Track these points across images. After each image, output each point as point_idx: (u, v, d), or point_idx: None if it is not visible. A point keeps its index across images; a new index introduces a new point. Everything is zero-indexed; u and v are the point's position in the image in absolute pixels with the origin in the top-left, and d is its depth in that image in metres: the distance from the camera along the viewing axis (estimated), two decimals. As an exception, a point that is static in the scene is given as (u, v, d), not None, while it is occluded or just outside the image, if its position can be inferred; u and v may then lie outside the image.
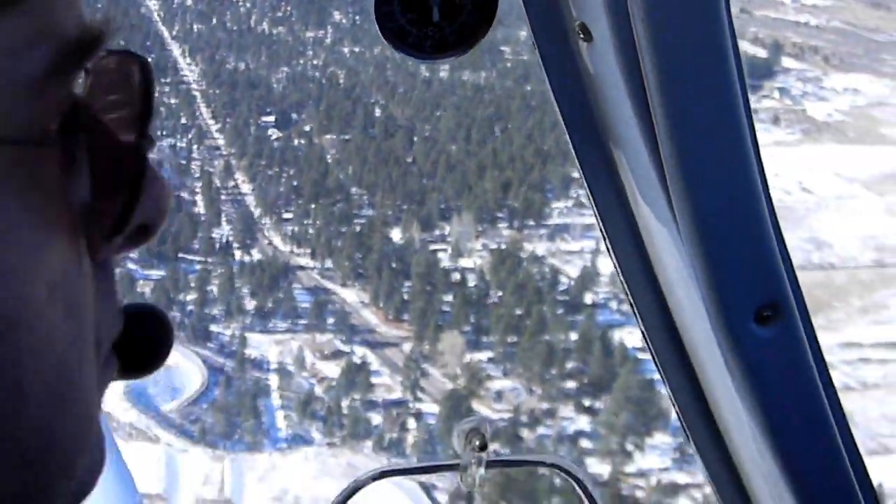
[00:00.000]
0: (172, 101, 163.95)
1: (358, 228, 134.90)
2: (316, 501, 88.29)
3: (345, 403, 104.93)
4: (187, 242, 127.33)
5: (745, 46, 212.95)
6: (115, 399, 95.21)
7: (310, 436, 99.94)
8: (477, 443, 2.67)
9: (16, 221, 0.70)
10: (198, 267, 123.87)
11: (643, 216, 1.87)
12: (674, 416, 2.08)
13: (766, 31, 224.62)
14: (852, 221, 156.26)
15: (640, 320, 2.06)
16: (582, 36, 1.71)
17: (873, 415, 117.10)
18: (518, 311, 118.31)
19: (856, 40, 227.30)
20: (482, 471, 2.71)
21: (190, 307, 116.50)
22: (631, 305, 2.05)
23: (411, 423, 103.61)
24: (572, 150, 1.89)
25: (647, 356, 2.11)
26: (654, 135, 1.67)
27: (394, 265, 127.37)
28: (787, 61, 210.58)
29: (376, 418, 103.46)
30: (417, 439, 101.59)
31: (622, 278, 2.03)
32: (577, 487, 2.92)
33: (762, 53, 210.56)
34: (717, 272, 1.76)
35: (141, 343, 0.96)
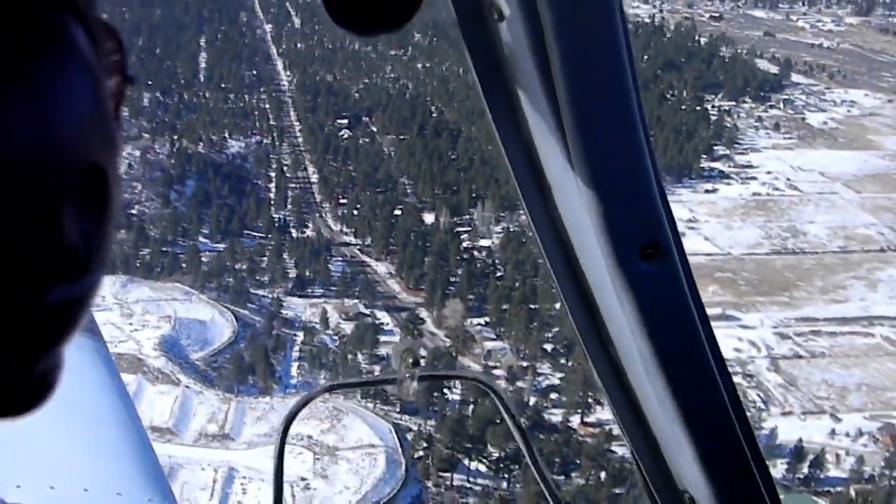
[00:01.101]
0: (266, 105, 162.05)
1: (398, 212, 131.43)
2: (300, 437, 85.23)
3: (357, 357, 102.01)
4: (252, 221, 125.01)
5: (763, 64, 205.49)
6: (148, 348, 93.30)
7: (317, 383, 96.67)
8: (410, 360, 2.65)
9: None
10: (255, 242, 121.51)
11: (550, 169, 1.85)
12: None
13: (784, 52, 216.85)
14: (828, 214, 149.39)
15: (546, 261, 2.03)
16: (496, 16, 1.67)
17: (815, 380, 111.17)
18: (516, 284, 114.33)
19: (861, 60, 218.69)
20: (415, 384, 2.68)
21: (242, 274, 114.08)
22: (539, 247, 2.02)
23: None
24: (488, 114, 1.85)
25: None
26: (556, 98, 1.66)
27: (419, 243, 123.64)
28: (796, 77, 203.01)
29: (375, 370, 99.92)
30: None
31: (531, 223, 2.00)
32: (496, 400, 2.90)
33: (774, 70, 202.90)
34: (607, 215, 1.76)
35: None
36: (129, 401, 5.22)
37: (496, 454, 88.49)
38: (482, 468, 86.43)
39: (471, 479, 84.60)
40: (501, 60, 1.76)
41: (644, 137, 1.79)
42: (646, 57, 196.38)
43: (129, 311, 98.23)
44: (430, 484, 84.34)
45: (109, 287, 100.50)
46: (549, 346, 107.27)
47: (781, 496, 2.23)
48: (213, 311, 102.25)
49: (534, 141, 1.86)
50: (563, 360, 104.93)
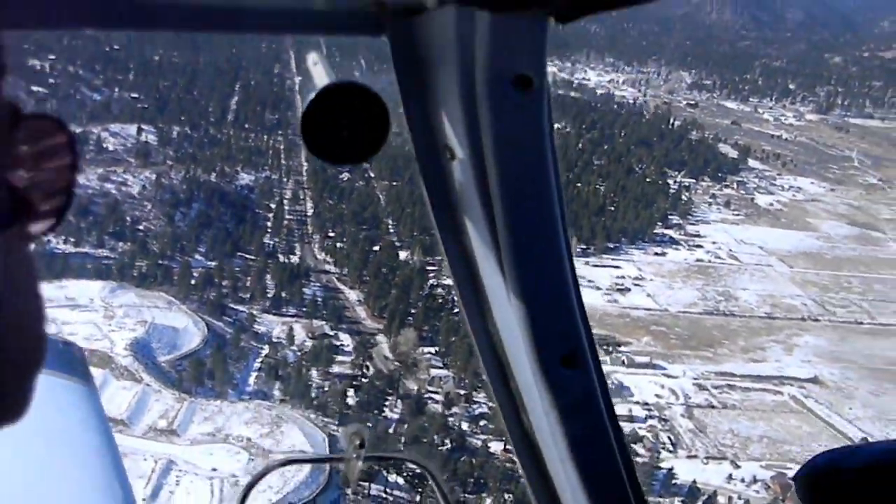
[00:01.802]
0: (281, 146, 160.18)
1: (377, 248, 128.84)
2: (240, 439, 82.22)
3: (311, 373, 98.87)
4: (246, 245, 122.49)
5: (725, 149, 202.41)
6: (119, 348, 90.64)
7: (271, 392, 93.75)
8: (357, 442, 2.68)
9: None
10: (243, 263, 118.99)
11: (488, 286, 1.89)
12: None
13: (746, 139, 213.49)
14: (760, 283, 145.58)
15: (482, 363, 2.06)
16: (449, 156, 1.75)
17: (723, 428, 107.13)
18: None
19: (813, 152, 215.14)
20: (360, 463, 2.72)
21: (224, 290, 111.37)
22: (476, 350, 2.05)
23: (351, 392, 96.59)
24: (439, 237, 1.91)
25: None
26: (496, 227, 1.72)
27: (390, 277, 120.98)
28: (752, 162, 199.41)
29: (325, 385, 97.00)
30: (354, 403, 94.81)
31: (470, 330, 2.03)
32: (431, 481, 2.95)
33: (734, 154, 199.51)
34: (534, 328, 1.81)
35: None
36: (111, 439, 5.05)
37: (418, 470, 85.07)
38: (400, 481, 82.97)
39: (387, 491, 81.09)
40: (452, 192, 1.80)
41: (568, 262, 1.80)
42: (623, 133, 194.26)
43: (111, 314, 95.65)
44: (349, 491, 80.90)
45: (98, 291, 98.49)
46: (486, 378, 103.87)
47: None
48: (188, 321, 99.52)
49: (476, 262, 1.88)
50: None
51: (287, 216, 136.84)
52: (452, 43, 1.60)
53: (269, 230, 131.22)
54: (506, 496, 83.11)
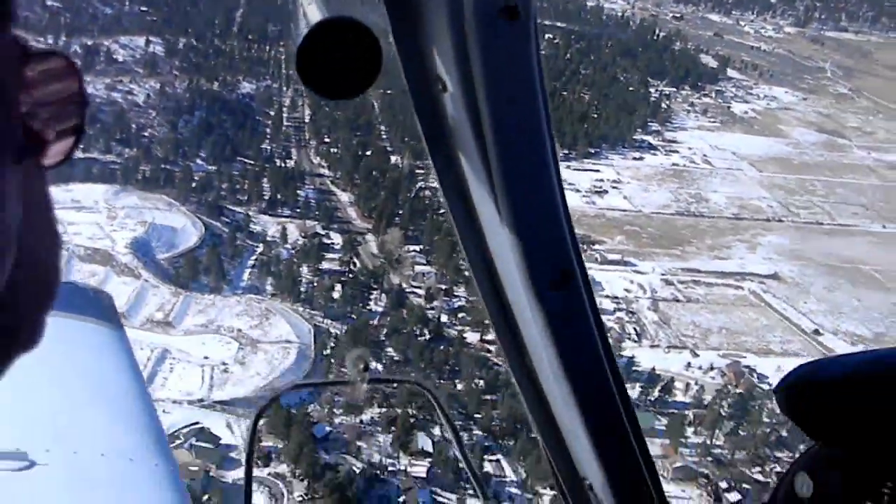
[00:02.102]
0: (283, 56, 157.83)
1: (369, 152, 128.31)
2: (231, 330, 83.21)
3: (302, 269, 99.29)
4: (244, 150, 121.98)
5: (706, 59, 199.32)
6: (120, 246, 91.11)
7: (263, 287, 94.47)
8: (361, 366, 2.64)
9: None
10: (242, 167, 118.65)
11: (482, 214, 1.88)
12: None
13: (727, 51, 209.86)
14: (730, 186, 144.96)
15: (477, 287, 2.03)
16: (441, 87, 1.70)
17: (686, 321, 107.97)
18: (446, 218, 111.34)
19: (789, 63, 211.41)
20: (365, 386, 2.65)
21: (223, 192, 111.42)
22: (472, 277, 2.03)
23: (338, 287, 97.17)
24: (433, 166, 1.88)
25: None
26: (488, 155, 1.69)
27: (380, 180, 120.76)
28: (731, 72, 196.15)
29: (315, 281, 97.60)
30: (339, 297, 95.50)
31: (466, 257, 2.01)
32: (433, 402, 2.86)
33: (714, 65, 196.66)
34: (525, 252, 1.79)
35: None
36: (142, 381, 5.08)
37: (396, 357, 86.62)
38: (380, 367, 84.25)
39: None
40: (444, 123, 1.77)
41: (558, 188, 1.79)
42: (609, 44, 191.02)
43: (114, 215, 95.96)
44: (331, 376, 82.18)
45: (102, 193, 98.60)
46: (468, 274, 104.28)
47: None
48: (187, 221, 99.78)
49: (469, 190, 1.87)
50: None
51: (285, 123, 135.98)
52: None
53: (267, 136, 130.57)
54: (477, 381, 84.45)
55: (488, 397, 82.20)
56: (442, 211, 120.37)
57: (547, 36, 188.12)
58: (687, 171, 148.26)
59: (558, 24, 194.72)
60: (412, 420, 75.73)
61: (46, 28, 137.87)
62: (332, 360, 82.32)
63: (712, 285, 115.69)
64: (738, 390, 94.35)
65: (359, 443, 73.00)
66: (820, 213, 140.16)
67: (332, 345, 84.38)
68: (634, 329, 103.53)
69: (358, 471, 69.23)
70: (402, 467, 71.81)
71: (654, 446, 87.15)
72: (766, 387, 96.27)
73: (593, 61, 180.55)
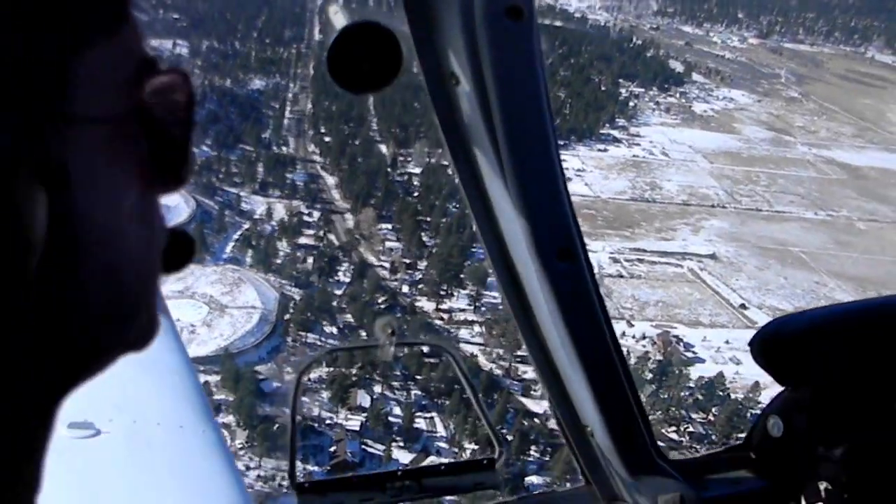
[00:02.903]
0: (294, 57, 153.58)
1: (358, 142, 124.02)
2: (204, 296, 79.58)
3: (278, 244, 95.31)
4: (245, 137, 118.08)
5: (674, 64, 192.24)
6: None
7: (243, 259, 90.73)
8: (389, 331, 2.52)
9: (111, 171, 0.62)
10: (241, 153, 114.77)
11: (492, 194, 1.85)
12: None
13: (694, 58, 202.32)
14: (683, 176, 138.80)
15: (490, 261, 2.02)
16: (455, 82, 1.68)
17: (626, 294, 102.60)
18: (421, 202, 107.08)
19: (749, 70, 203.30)
20: (393, 349, 2.52)
21: (221, 175, 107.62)
22: (485, 251, 2.02)
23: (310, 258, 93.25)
24: (449, 154, 1.84)
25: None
26: (497, 141, 1.67)
27: (363, 165, 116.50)
28: (696, 76, 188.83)
29: (290, 254, 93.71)
30: (314, 267, 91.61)
31: (479, 233, 1.98)
32: (453, 362, 2.70)
33: (680, 69, 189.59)
34: (532, 228, 1.77)
35: (176, 251, 0.77)
36: (187, 357, 4.83)
37: (353, 322, 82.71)
38: (334, 331, 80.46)
39: (321, 339, 78.56)
40: (458, 114, 1.75)
41: (560, 171, 1.78)
42: (587, 50, 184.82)
43: None
44: (289, 339, 78.39)
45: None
46: (432, 250, 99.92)
47: None
48: (180, 199, 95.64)
49: (482, 174, 1.83)
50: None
51: (287, 115, 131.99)
52: None
53: (269, 126, 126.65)
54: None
55: (429, 360, 78.11)
56: (413, 193, 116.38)
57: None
58: (646, 162, 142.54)
59: (556, 23, 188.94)
60: (353, 378, 71.99)
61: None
62: (290, 324, 78.60)
63: (655, 263, 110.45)
64: (660, 357, 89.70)
65: (303, 398, 69.17)
66: (760, 201, 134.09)
67: (292, 310, 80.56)
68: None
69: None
70: (339, 421, 68.04)
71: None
72: (690, 355, 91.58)
73: (572, 64, 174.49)
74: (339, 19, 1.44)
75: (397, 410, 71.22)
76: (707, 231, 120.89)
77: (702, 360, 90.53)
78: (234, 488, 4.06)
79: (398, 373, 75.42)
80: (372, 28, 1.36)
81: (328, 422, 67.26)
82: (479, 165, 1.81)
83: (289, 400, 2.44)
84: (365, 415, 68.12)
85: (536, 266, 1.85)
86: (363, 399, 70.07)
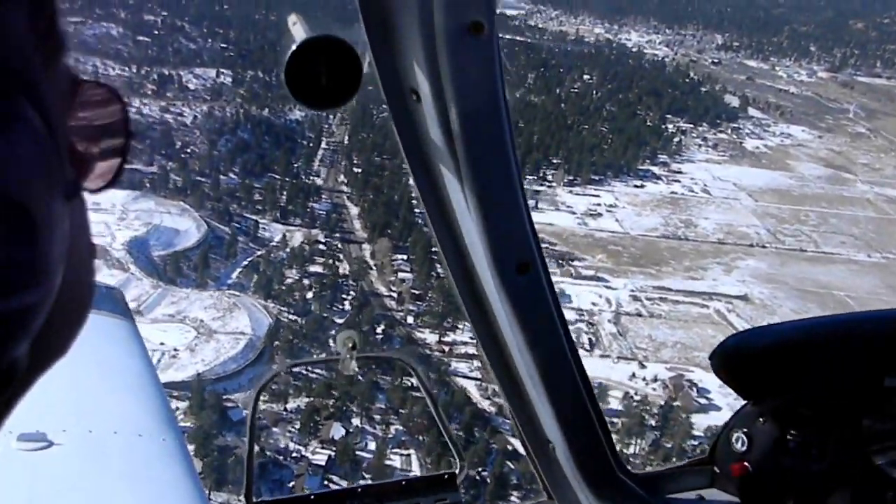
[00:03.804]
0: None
1: (386, 173, 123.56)
2: (195, 321, 79.44)
3: (287, 271, 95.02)
4: (273, 166, 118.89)
5: (729, 99, 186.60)
6: (118, 243, 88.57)
7: (249, 285, 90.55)
8: (350, 344, 2.54)
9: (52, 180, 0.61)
10: (269, 181, 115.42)
11: (454, 209, 1.83)
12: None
13: (754, 92, 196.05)
14: (723, 214, 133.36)
15: (450, 274, 1.99)
16: (415, 98, 1.66)
17: (643, 334, 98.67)
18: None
19: (814, 105, 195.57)
20: (354, 363, 2.54)
21: (243, 202, 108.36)
22: (444, 265, 1.99)
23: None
24: (410, 168, 1.83)
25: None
26: (457, 156, 1.65)
27: (386, 196, 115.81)
28: (753, 111, 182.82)
29: (300, 280, 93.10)
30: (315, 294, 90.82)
31: (440, 247, 1.96)
32: (416, 376, 2.82)
33: (735, 104, 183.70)
34: (492, 242, 1.75)
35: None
36: (151, 367, 4.86)
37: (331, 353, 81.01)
38: (323, 354, 79.02)
39: (308, 368, 77.16)
40: (419, 129, 1.73)
41: (519, 185, 1.75)
42: (638, 84, 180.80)
43: (125, 217, 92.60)
44: (274, 367, 77.24)
45: (122, 197, 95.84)
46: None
47: None
48: (193, 224, 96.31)
49: (443, 188, 1.81)
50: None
51: (323, 146, 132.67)
52: None
53: (301, 156, 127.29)
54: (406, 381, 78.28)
55: (415, 394, 75.90)
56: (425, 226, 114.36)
57: (585, 77, 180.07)
58: (684, 199, 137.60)
59: (596, 65, 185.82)
60: (331, 410, 70.31)
61: (132, 58, 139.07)
62: (278, 352, 77.63)
63: (678, 303, 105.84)
64: (674, 403, 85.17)
65: (274, 429, 67.92)
66: (806, 241, 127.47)
67: (278, 337, 79.60)
68: (589, 339, 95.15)
69: (256, 454, 64.14)
70: (307, 454, 66.37)
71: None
72: (703, 401, 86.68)
73: (620, 99, 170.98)
74: (297, 31, 1.38)
75: (372, 445, 69.16)
76: (741, 271, 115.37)
77: (717, 408, 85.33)
78: (195, 498, 3.84)
79: (382, 406, 73.49)
80: (331, 41, 1.32)
81: (294, 454, 65.68)
82: (440, 180, 1.77)
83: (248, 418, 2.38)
84: (335, 448, 66.29)
85: (496, 279, 1.81)
86: (337, 432, 68.28)
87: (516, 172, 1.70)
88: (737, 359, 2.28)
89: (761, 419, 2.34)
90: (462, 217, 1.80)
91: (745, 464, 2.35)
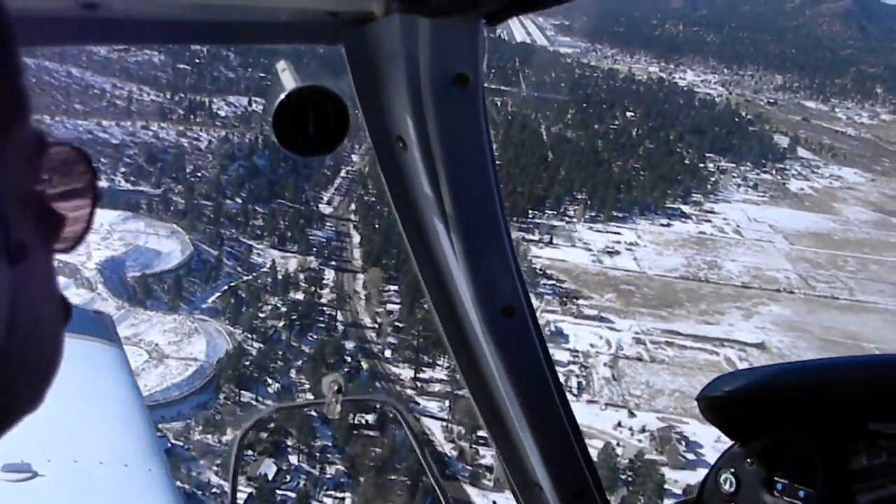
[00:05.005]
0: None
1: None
2: (149, 344, 75.39)
3: (270, 298, 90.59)
4: (284, 193, 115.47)
5: (778, 139, 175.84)
6: (92, 263, 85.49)
7: (222, 310, 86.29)
8: (335, 388, 2.50)
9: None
10: (274, 207, 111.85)
11: (441, 254, 1.82)
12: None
13: (808, 133, 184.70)
14: (752, 257, 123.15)
15: (437, 318, 2.00)
16: (402, 145, 1.65)
17: (639, 380, 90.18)
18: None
19: (871, 147, 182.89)
20: (339, 406, 2.51)
21: (240, 227, 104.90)
22: (432, 309, 1.99)
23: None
24: (396, 214, 1.81)
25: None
26: (444, 204, 1.65)
27: (386, 224, 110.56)
28: (802, 152, 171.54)
29: (271, 307, 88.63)
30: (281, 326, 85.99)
31: (427, 293, 1.95)
32: (401, 419, 2.80)
33: (784, 144, 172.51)
34: (478, 287, 1.75)
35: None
36: (139, 394, 4.78)
37: (303, 380, 75.95)
38: (271, 390, 73.87)
39: (258, 399, 72.09)
40: (406, 177, 1.72)
41: (505, 231, 1.74)
42: (681, 122, 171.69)
43: (108, 237, 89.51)
44: (221, 396, 72.28)
45: (112, 218, 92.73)
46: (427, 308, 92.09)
47: None
48: (178, 247, 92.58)
49: (429, 235, 1.80)
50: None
51: (342, 174, 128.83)
52: (399, 46, 1.48)
53: (316, 183, 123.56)
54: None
55: (367, 432, 69.83)
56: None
57: (627, 114, 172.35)
58: (712, 239, 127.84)
59: (641, 103, 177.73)
60: (265, 445, 64.73)
61: (168, 84, 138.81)
62: (227, 381, 72.72)
63: (686, 348, 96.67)
64: (656, 457, 76.45)
65: (201, 461, 62.75)
66: (840, 288, 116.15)
67: (232, 365, 74.66)
68: (579, 383, 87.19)
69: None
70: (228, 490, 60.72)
71: None
72: (691, 456, 77.59)
73: (660, 137, 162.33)
74: (286, 78, 1.38)
75: (303, 485, 63.22)
76: (762, 317, 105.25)
77: (706, 465, 76.07)
78: None
79: (327, 443, 67.59)
80: (319, 91, 1.32)
81: (215, 490, 60.26)
82: (427, 226, 1.76)
83: (228, 462, 2.35)
84: (257, 485, 60.61)
85: (482, 322, 1.81)
86: (268, 469, 62.58)
87: (502, 218, 1.68)
88: (724, 400, 2.24)
89: (749, 460, 2.31)
90: (449, 261, 1.76)
91: None
